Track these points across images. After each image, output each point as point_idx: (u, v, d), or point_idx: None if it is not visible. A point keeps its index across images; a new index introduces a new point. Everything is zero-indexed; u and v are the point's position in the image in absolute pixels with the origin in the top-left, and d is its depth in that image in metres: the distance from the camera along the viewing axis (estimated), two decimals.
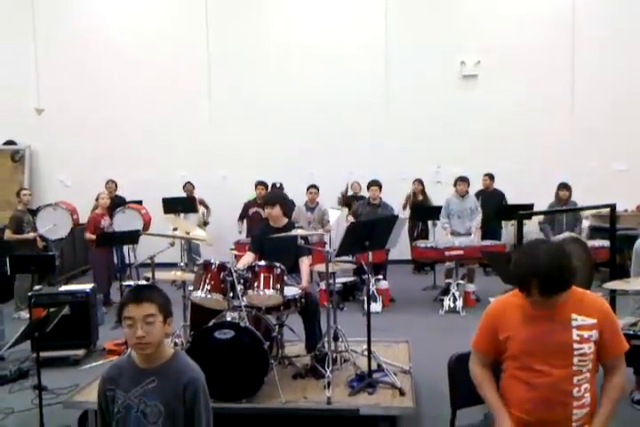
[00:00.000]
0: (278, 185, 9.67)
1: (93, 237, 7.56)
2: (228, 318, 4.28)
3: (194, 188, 9.89)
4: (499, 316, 2.45)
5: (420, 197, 9.80)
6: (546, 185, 8.42)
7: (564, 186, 8.10)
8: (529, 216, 7.39)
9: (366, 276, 5.82)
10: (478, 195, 9.68)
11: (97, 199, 8.13)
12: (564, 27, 10.47)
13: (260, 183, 9.07)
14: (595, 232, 9.02)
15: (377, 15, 10.75)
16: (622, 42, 10.34)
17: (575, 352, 2.31)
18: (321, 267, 5.03)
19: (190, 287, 4.72)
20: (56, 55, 11.06)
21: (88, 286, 6.15)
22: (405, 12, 10.72)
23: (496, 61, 10.55)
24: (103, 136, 10.97)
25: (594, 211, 8.67)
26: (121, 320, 2.26)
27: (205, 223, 9.65)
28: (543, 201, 8.17)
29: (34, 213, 7.93)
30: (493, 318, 2.47)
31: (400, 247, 7.47)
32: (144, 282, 6.36)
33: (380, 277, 7.84)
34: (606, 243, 6.46)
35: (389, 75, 10.75)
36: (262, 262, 4.61)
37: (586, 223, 9.43)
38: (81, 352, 5.73)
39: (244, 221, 9.17)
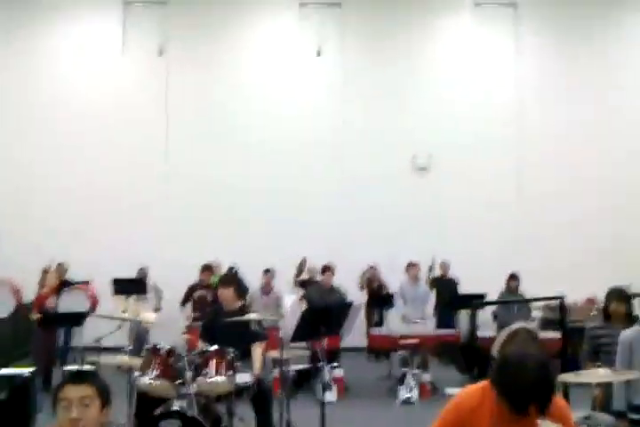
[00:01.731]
0: (234, 270, 9.53)
1: (39, 316, 7.28)
2: (176, 407, 4.10)
3: (147, 273, 9.68)
4: (469, 413, 2.30)
5: (376, 284, 9.84)
6: (497, 273, 8.59)
7: (513, 276, 8.35)
8: (483, 305, 7.49)
9: (321, 363, 5.68)
10: (434, 282, 9.82)
11: (44, 278, 7.88)
12: (510, 119, 11.12)
13: (206, 268, 8.90)
14: (546, 324, 9.12)
15: (333, 108, 11.21)
16: (568, 133, 10.99)
17: None
18: (275, 353, 4.93)
19: (137, 373, 4.53)
20: (10, 134, 11.07)
21: (28, 370, 5.82)
22: (360, 106, 11.25)
23: (446, 154, 11.04)
24: (53, 213, 10.81)
25: (544, 302, 8.84)
26: (55, 404, 2.15)
27: (157, 310, 9.34)
28: (493, 289, 8.33)
29: None
30: (463, 414, 2.31)
31: (355, 334, 7.40)
32: (88, 367, 6.09)
33: (336, 364, 7.67)
34: (557, 335, 6.53)
35: (345, 166, 11.06)
36: (213, 347, 4.49)
37: (537, 315, 9.55)
38: None
39: (188, 304, 8.89)
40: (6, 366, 7.51)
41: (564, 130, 11.04)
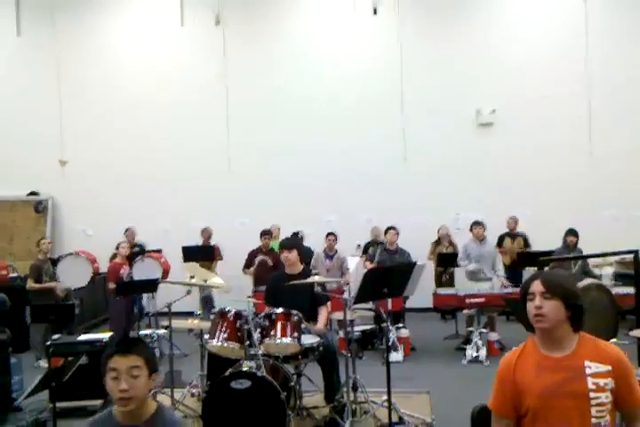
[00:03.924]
0: (300, 235, 9.63)
1: (115, 284, 7.59)
2: (245, 368, 4.22)
3: (210, 235, 9.96)
4: (510, 373, 2.33)
5: (445, 244, 9.77)
6: (564, 231, 8.34)
7: (571, 232, 8.09)
8: (549, 263, 7.30)
9: (385, 324, 5.72)
10: (502, 237, 9.65)
11: (117, 248, 8.20)
12: (579, 74, 10.55)
13: (265, 233, 9.05)
14: (620, 279, 8.87)
15: (393, 65, 10.91)
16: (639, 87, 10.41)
17: (592, 402, 2.20)
18: (339, 314, 4.98)
19: (207, 336, 4.69)
20: (80, 108, 11.37)
21: (106, 335, 6.13)
22: (420, 62, 10.91)
23: (511, 109, 10.63)
24: (124, 187, 11.16)
25: (618, 257, 8.55)
26: (105, 373, 2.22)
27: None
28: None
29: (54, 262, 7.99)
30: (506, 376, 2.34)
31: (425, 295, 7.39)
32: (162, 331, 6.36)
33: (401, 325, 7.72)
34: (631, 290, 6.32)
35: (406, 124, 10.84)
36: (279, 310, 4.57)
37: (610, 270, 9.28)
38: (98, 402, 5.65)
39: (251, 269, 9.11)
40: (87, 332, 7.96)
41: (637, 83, 10.41)
